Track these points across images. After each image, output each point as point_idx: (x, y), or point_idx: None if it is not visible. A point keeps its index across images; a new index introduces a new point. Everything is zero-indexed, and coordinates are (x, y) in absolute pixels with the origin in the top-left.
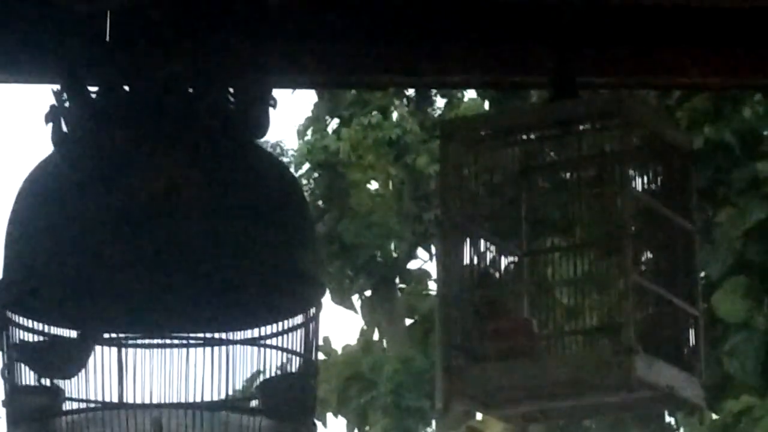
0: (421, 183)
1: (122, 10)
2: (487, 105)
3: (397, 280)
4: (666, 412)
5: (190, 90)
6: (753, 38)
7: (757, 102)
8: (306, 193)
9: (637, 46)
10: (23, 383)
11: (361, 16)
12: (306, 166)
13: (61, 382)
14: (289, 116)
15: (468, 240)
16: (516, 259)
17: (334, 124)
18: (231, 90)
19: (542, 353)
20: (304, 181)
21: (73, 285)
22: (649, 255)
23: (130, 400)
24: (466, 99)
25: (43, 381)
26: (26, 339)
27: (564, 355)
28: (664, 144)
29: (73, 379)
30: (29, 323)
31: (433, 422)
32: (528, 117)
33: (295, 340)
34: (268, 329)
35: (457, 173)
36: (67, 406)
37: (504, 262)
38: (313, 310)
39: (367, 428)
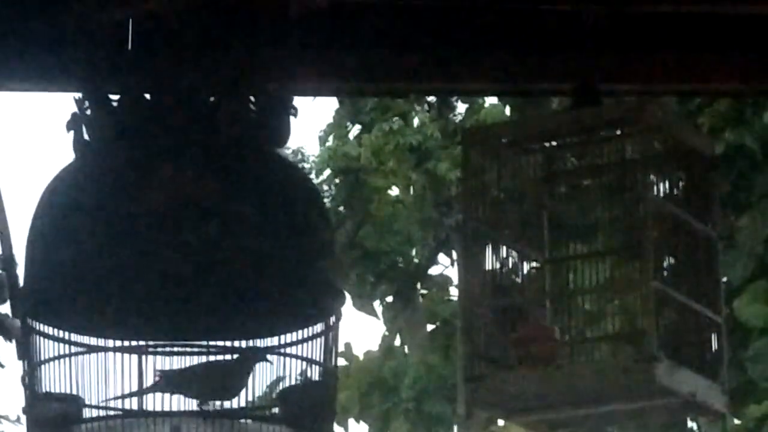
0: (443, 189)
1: (144, 19)
2: (508, 111)
3: (419, 286)
4: (688, 418)
5: (211, 99)
6: None
7: None
8: (327, 200)
9: (659, 53)
10: (44, 390)
11: (381, 24)
12: (327, 172)
13: (81, 390)
14: (311, 122)
15: (490, 246)
16: (538, 265)
17: (355, 130)
18: (252, 99)
19: (564, 360)
20: (326, 188)
21: (94, 293)
22: (671, 261)
23: (150, 408)
24: (487, 105)
25: (63, 389)
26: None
27: (586, 362)
28: (685, 150)
29: (93, 387)
30: (51, 331)
31: (455, 428)
32: (550, 124)
33: (315, 349)
34: (288, 337)
35: (479, 179)
36: (87, 413)
37: (526, 268)
38: (332, 319)
39: None
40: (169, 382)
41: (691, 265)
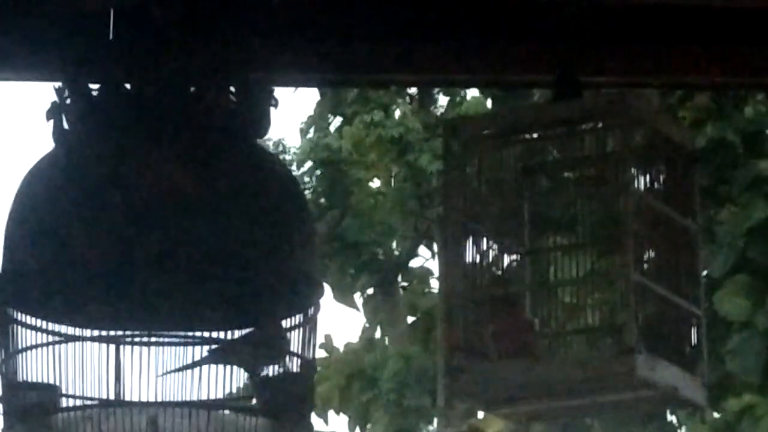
0: (423, 181)
1: (125, 9)
2: (490, 103)
3: (399, 278)
4: (668, 411)
5: (192, 89)
6: (755, 37)
7: (760, 101)
8: (308, 191)
9: (640, 46)
10: (21, 379)
11: (362, 15)
12: (308, 164)
13: (58, 379)
14: (292, 114)
15: (470, 238)
16: (518, 257)
17: (336, 122)
18: (232, 89)
19: (544, 352)
20: (307, 179)
21: (72, 282)
22: (652, 254)
23: (128, 398)
24: (468, 97)
25: (40, 378)
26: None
27: (566, 355)
28: (666, 143)
29: (70, 376)
30: (29, 320)
31: (435, 420)
32: (531, 116)
33: (294, 340)
34: None
35: (460, 172)
36: (64, 403)
37: (506, 260)
38: (311, 310)
39: (369, 426)
40: (217, 357)
41: (672, 259)
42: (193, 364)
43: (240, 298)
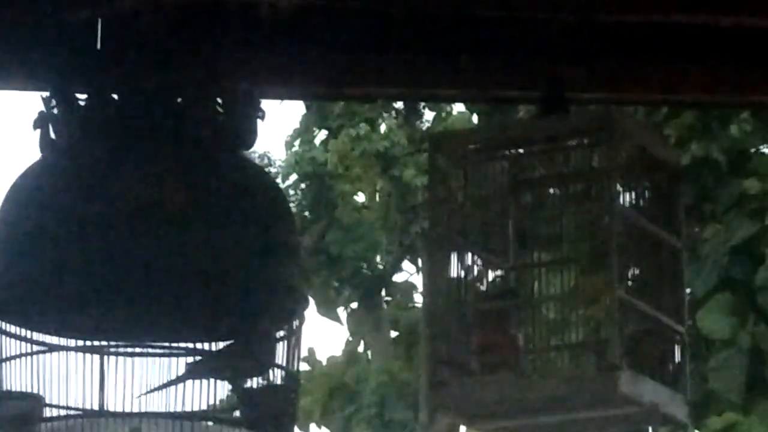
0: (408, 195)
1: (114, 20)
2: (475, 119)
3: (383, 293)
4: (650, 428)
5: (179, 100)
6: (740, 56)
7: (744, 119)
8: (293, 204)
9: (626, 63)
10: (4, 389)
11: (350, 29)
12: (293, 177)
13: (42, 389)
14: (277, 127)
15: (455, 253)
16: (503, 273)
17: (322, 135)
18: (219, 101)
19: (528, 368)
20: (292, 192)
21: (57, 292)
22: (636, 271)
23: (111, 408)
24: (454, 112)
25: (24, 387)
26: None
27: (549, 370)
28: (652, 160)
29: (54, 386)
30: (13, 329)
31: None
32: (517, 131)
33: (278, 352)
34: None
35: (445, 186)
36: (47, 412)
37: (491, 275)
38: (296, 323)
39: None
40: (194, 372)
41: (656, 276)
42: (177, 380)
43: (224, 310)
